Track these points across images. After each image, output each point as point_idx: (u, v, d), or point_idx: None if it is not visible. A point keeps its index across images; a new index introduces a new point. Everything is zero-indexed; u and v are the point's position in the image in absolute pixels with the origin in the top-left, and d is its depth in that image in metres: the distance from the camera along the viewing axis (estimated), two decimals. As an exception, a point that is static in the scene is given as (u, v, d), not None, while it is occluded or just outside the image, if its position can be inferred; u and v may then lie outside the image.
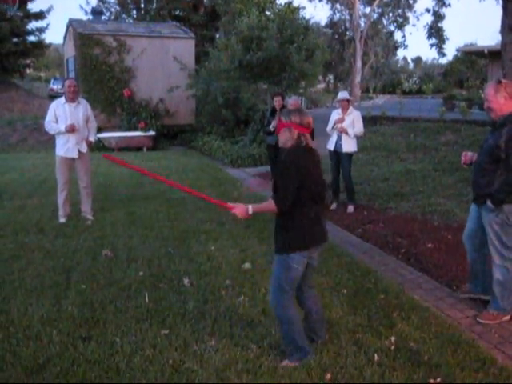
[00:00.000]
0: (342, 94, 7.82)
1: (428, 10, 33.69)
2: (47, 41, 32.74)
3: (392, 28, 42.51)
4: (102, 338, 3.70)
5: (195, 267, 5.16)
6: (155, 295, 4.46)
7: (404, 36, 64.98)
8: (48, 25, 36.04)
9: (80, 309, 4.17)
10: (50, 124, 6.88)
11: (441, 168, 9.76)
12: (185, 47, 18.12)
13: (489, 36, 75.70)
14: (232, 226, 6.71)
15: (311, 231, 3.28)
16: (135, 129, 16.56)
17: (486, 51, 20.73)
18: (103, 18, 27.78)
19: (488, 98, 3.93)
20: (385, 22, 42.29)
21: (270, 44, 14.10)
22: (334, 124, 7.63)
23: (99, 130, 12.46)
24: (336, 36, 43.35)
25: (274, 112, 9.26)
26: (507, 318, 4.06)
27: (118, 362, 3.37)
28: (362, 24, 39.07)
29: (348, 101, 7.68)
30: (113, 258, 5.44)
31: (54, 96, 26.68)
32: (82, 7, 36.31)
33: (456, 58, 48.18)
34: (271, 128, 8.87)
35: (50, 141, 14.11)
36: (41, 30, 30.29)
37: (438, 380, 3.19)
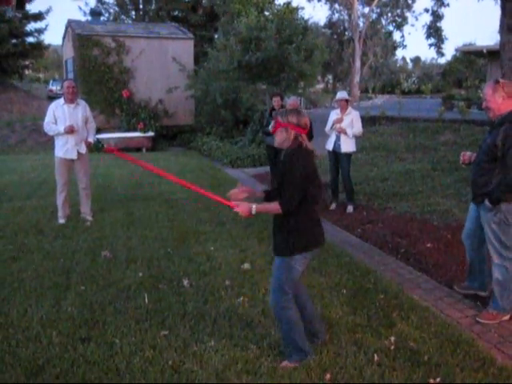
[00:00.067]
0: (341, 94, 7.82)
1: (427, 10, 33.77)
2: (46, 42, 32.75)
3: (391, 28, 42.67)
4: (102, 339, 3.70)
5: (195, 268, 5.16)
6: (155, 296, 4.46)
7: (403, 36, 64.88)
8: (47, 26, 35.90)
9: (79, 310, 4.17)
10: (49, 125, 6.88)
11: (440, 168, 9.76)
12: (184, 48, 18.12)
13: (487, 36, 75.76)
14: (231, 226, 6.72)
15: (313, 232, 3.28)
16: (134, 130, 16.56)
17: (484, 51, 20.74)
18: (102, 19, 27.74)
19: (486, 97, 3.96)
20: (383, 22, 42.41)
21: (268, 44, 14.11)
22: (333, 124, 7.63)
23: (98, 130, 12.46)
24: (335, 36, 43.42)
25: (273, 112, 9.25)
26: (507, 317, 4.06)
27: (118, 363, 3.37)
28: (361, 24, 39.18)
29: (347, 101, 7.67)
30: (112, 259, 5.44)
31: (53, 97, 26.71)
32: (80, 8, 36.38)
33: (455, 58, 48.26)
34: (270, 128, 8.85)
35: (49, 142, 14.11)
36: (40, 31, 30.31)
37: (438, 380, 3.19)
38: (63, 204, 7.03)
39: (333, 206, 7.90)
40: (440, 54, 33.99)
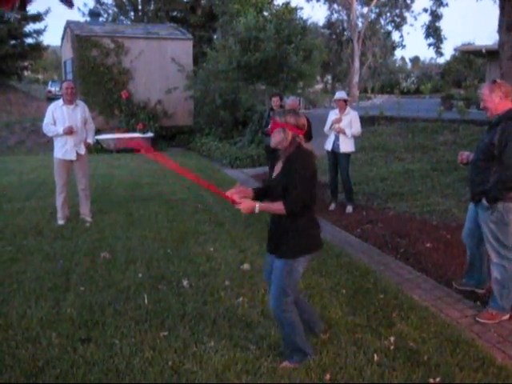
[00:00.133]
0: (339, 94, 7.82)
1: (425, 10, 33.80)
2: (45, 43, 32.91)
3: (390, 28, 42.70)
4: (102, 340, 3.70)
5: (194, 268, 5.16)
6: (154, 297, 4.46)
7: (402, 36, 65.03)
8: (46, 27, 36.09)
9: (79, 311, 4.17)
10: (48, 126, 6.88)
11: (439, 168, 9.76)
12: (182, 48, 18.12)
13: (486, 35, 75.65)
14: (231, 226, 6.72)
15: (315, 234, 3.28)
16: (133, 130, 16.55)
17: (483, 50, 20.74)
18: (101, 19, 27.75)
19: (484, 97, 4.01)
20: (382, 21, 42.46)
21: (267, 45, 14.11)
22: (332, 124, 7.64)
23: (97, 131, 12.45)
24: (334, 36, 43.42)
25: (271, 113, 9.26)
26: (506, 317, 4.07)
27: (118, 364, 3.37)
28: (360, 24, 39.20)
29: (345, 101, 7.68)
30: (111, 260, 5.44)
31: (51, 98, 26.69)
32: (79, 9, 36.24)
33: (454, 58, 48.24)
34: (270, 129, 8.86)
35: (48, 143, 14.11)
36: (38, 32, 30.35)
37: (438, 380, 3.19)
38: (62, 205, 7.03)
39: (332, 206, 7.90)
40: (439, 53, 34.05)
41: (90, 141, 7.22)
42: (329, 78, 51.82)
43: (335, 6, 41.52)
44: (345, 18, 41.83)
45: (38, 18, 29.75)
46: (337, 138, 7.61)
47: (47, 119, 6.87)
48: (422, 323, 3.93)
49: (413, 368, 3.31)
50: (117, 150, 15.61)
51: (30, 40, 30.26)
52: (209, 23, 27.68)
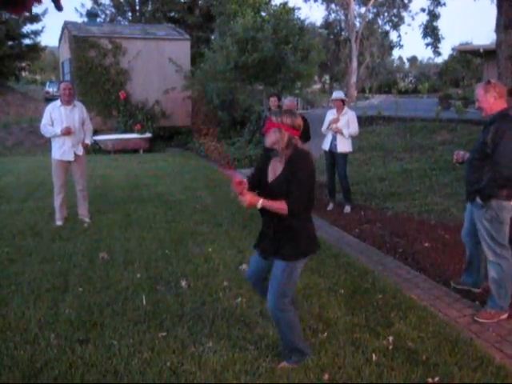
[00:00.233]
0: (337, 94, 7.82)
1: (423, 10, 33.71)
2: (42, 44, 32.82)
3: (387, 28, 42.77)
4: (100, 340, 3.69)
5: (192, 269, 5.16)
6: (152, 297, 4.45)
7: (399, 36, 65.13)
8: (43, 28, 36.31)
9: (77, 312, 4.16)
10: (46, 127, 6.87)
11: (437, 167, 9.77)
12: (180, 49, 18.11)
13: (484, 35, 76.01)
14: (229, 227, 6.72)
15: (314, 235, 3.28)
16: (131, 131, 16.54)
17: (481, 50, 20.75)
18: (98, 20, 27.80)
19: (478, 98, 4.07)
20: (380, 21, 42.54)
21: (265, 45, 14.11)
22: (329, 124, 7.64)
23: (95, 132, 12.45)
24: (331, 36, 43.45)
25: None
26: (505, 316, 4.07)
27: (116, 365, 3.37)
28: (358, 24, 39.22)
29: (343, 101, 7.68)
30: (110, 261, 5.43)
31: (49, 99, 26.65)
32: (77, 10, 36.18)
33: (451, 57, 48.28)
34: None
35: (46, 144, 14.07)
36: (36, 33, 30.36)
37: (436, 379, 3.19)
38: (61, 206, 7.02)
39: (330, 206, 7.91)
40: (437, 53, 33.95)
41: (88, 141, 7.21)
42: (327, 78, 51.87)
43: (333, 6, 41.56)
44: (342, 17, 41.88)
45: (35, 18, 29.74)
46: (334, 138, 7.62)
47: (45, 120, 6.87)
48: (420, 323, 3.93)
49: (411, 368, 3.31)
50: (115, 150, 15.59)
51: (27, 41, 30.33)
52: (206, 24, 27.68)
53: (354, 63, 37.87)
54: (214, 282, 4.79)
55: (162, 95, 17.60)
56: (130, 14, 31.28)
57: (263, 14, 18.26)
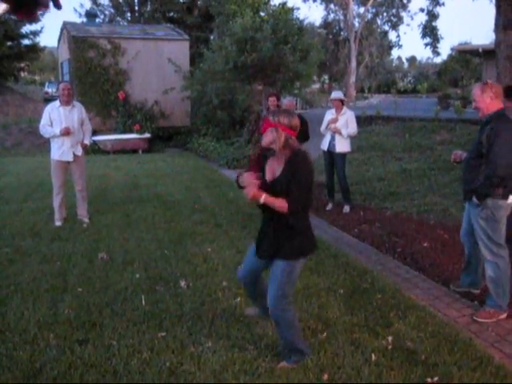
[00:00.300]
0: (336, 94, 7.82)
1: (422, 10, 33.76)
2: (41, 44, 32.81)
3: (386, 28, 42.81)
4: (99, 341, 3.69)
5: (191, 269, 5.16)
6: (152, 298, 4.45)
7: (398, 36, 65.37)
8: (42, 28, 36.34)
9: (76, 312, 4.16)
10: (45, 127, 6.87)
11: (436, 167, 9.78)
12: (179, 49, 18.10)
13: (483, 35, 76.13)
14: (228, 227, 6.72)
15: (312, 235, 3.29)
16: (130, 131, 16.53)
17: (480, 50, 20.75)
18: (97, 20, 27.75)
19: (475, 98, 4.10)
20: (379, 21, 42.58)
21: (264, 45, 14.10)
22: (328, 124, 7.64)
23: (94, 132, 12.44)
24: (330, 36, 43.48)
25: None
26: (504, 315, 4.08)
27: (116, 365, 3.37)
28: (357, 24, 39.26)
29: (342, 101, 7.68)
30: (109, 261, 5.43)
31: (48, 99, 26.67)
32: (76, 10, 36.28)
33: (450, 57, 48.33)
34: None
35: (45, 144, 14.07)
36: (35, 34, 30.34)
37: (436, 379, 3.19)
38: (60, 206, 7.02)
39: (329, 206, 7.91)
40: (436, 53, 34.00)
41: (87, 142, 7.21)
42: (326, 77, 51.86)
43: (332, 6, 41.59)
44: (341, 17, 41.90)
45: (34, 19, 29.70)
46: (333, 138, 7.62)
47: (44, 120, 6.86)
48: (419, 323, 3.93)
49: (411, 367, 3.31)
50: (114, 151, 15.57)
51: (26, 41, 30.30)
52: (205, 24, 27.66)
53: (353, 63, 37.90)
54: (214, 282, 4.79)
55: (161, 95, 17.59)
56: (128, 14, 31.24)
57: (262, 14, 18.26)
